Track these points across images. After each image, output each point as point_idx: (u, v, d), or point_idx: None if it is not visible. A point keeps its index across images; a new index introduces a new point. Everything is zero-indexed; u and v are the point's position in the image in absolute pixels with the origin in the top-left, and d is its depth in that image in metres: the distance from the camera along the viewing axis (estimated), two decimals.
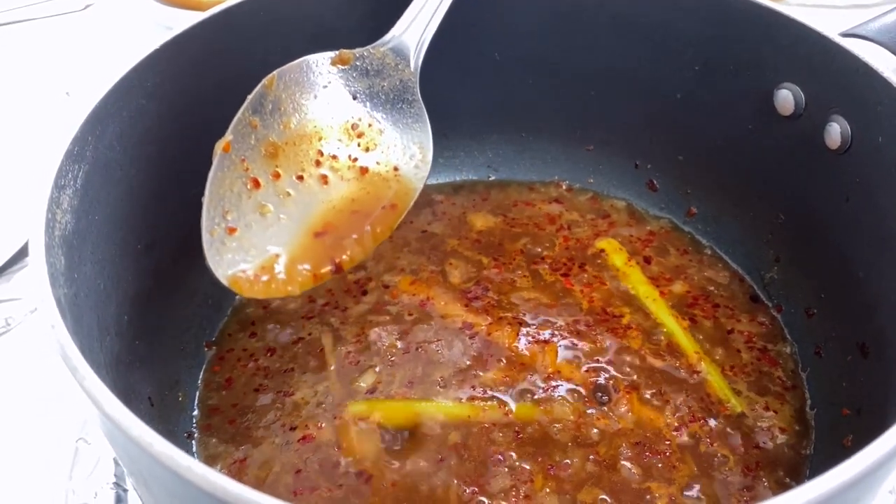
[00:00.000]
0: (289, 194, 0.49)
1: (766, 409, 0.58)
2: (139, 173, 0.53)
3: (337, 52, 0.50)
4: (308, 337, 0.62)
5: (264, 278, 0.47)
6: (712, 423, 0.57)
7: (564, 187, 0.75)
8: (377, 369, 0.60)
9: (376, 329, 0.62)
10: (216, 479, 0.31)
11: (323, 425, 0.57)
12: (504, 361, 0.60)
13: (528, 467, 0.54)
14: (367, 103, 0.50)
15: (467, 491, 0.52)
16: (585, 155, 0.74)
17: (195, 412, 0.59)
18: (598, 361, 0.60)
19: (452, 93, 0.71)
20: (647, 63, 0.66)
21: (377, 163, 0.50)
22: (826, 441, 0.56)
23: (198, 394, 0.60)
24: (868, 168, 0.54)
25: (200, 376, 0.61)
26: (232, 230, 0.48)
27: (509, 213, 0.73)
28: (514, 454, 0.55)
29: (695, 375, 0.60)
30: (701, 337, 0.62)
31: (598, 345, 0.61)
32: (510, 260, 0.68)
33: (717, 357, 0.61)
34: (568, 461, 0.54)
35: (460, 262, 0.68)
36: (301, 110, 0.49)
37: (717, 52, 0.62)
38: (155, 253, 0.56)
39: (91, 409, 0.36)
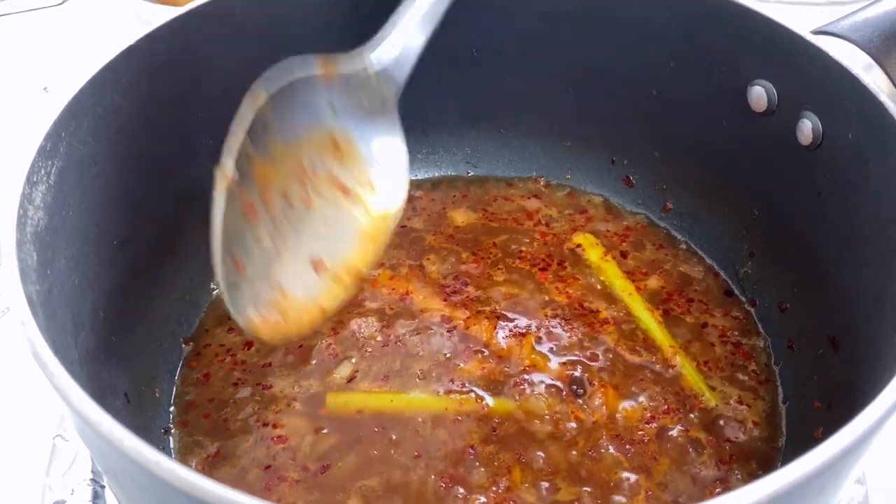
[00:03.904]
0: (280, 219, 0.49)
1: (740, 402, 0.59)
2: (114, 169, 0.53)
3: (322, 65, 0.49)
4: None
5: (275, 318, 0.48)
6: (687, 416, 0.57)
7: (542, 183, 0.75)
8: (353, 360, 0.60)
9: (357, 320, 0.62)
10: (185, 474, 0.31)
11: (300, 418, 0.57)
12: (481, 355, 0.60)
13: (506, 461, 0.54)
14: (348, 118, 0.50)
15: (443, 486, 0.53)
16: (563, 151, 0.75)
17: (172, 408, 0.59)
18: (574, 355, 0.60)
19: (431, 89, 0.71)
20: (623, 60, 0.67)
21: (356, 179, 0.50)
22: (797, 433, 0.56)
23: (175, 389, 0.60)
24: (839, 164, 0.54)
25: (178, 372, 0.61)
26: (241, 267, 0.47)
27: (489, 208, 0.73)
28: (491, 447, 0.55)
29: (670, 370, 0.60)
30: (676, 331, 0.63)
31: (575, 339, 0.62)
32: (488, 255, 0.68)
33: (692, 351, 0.62)
34: (545, 454, 0.55)
35: (439, 256, 0.68)
36: (286, 126, 0.49)
37: (691, 49, 0.62)
38: (130, 249, 0.56)
39: (61, 404, 0.36)
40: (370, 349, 0.61)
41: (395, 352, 0.61)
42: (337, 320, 0.63)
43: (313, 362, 0.60)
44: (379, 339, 0.61)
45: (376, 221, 0.50)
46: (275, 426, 0.57)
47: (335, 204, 0.50)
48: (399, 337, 0.61)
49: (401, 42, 0.48)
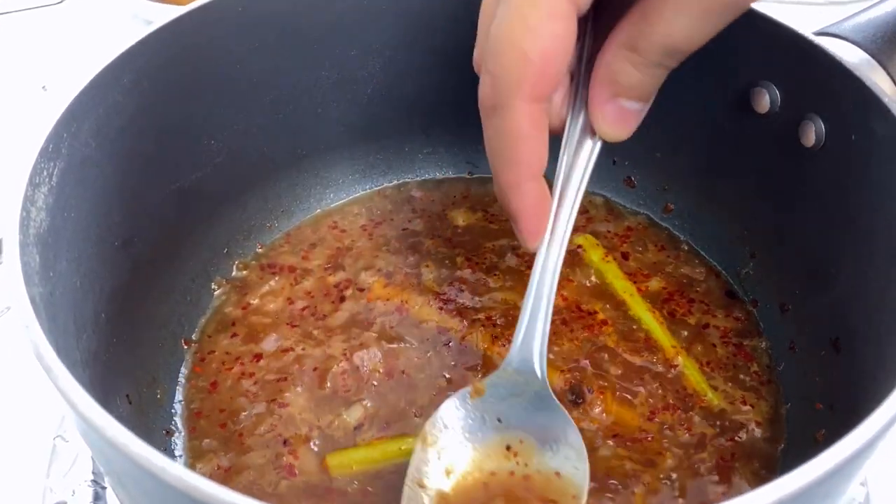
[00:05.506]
0: None
1: (743, 403, 0.59)
2: (115, 170, 0.53)
3: (472, 387, 0.52)
4: (301, 351, 0.61)
5: None
6: (689, 416, 0.57)
7: None
8: (364, 402, 0.58)
9: (359, 353, 0.61)
10: (191, 479, 0.31)
11: (308, 452, 0.56)
12: (479, 366, 0.60)
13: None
14: (513, 421, 0.51)
15: None
16: None
17: (174, 411, 0.59)
18: (573, 361, 0.60)
19: (432, 89, 0.71)
20: None
21: (538, 472, 0.50)
22: (799, 435, 0.56)
23: (179, 395, 0.60)
24: (841, 165, 0.54)
25: (180, 374, 0.61)
26: None
27: (489, 209, 0.73)
28: None
29: (672, 370, 0.60)
30: (678, 332, 0.63)
31: (574, 343, 0.61)
32: (484, 259, 0.68)
33: (694, 352, 0.61)
34: None
35: (436, 262, 0.68)
36: (457, 450, 0.50)
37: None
38: (132, 249, 0.56)
39: (66, 408, 0.36)
40: (376, 383, 0.59)
41: (399, 385, 0.59)
42: (343, 349, 0.61)
43: (328, 386, 0.59)
44: (381, 370, 0.60)
45: (568, 500, 0.49)
46: (291, 453, 0.55)
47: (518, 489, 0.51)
48: (402, 367, 0.60)
49: (528, 340, 0.51)
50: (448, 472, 0.50)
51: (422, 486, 0.49)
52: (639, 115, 0.48)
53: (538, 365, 0.50)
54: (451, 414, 0.51)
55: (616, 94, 0.47)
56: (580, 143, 0.49)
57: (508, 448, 0.51)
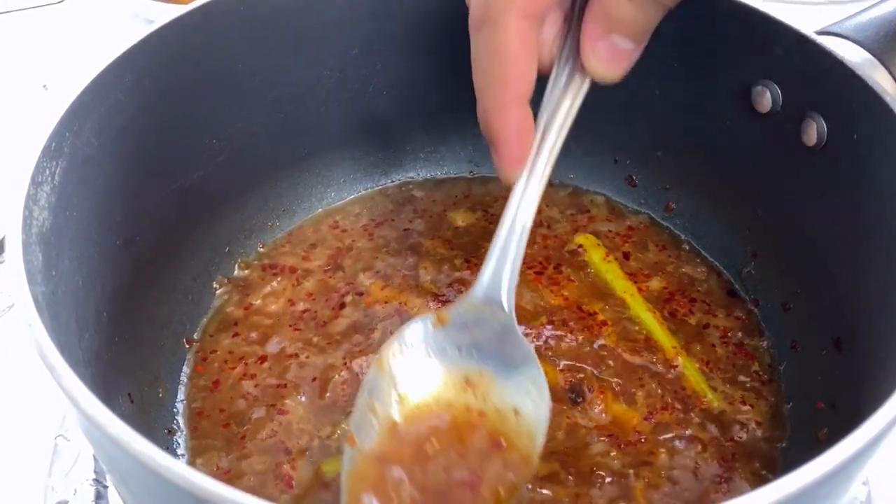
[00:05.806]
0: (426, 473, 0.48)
1: (743, 402, 0.59)
2: (117, 169, 0.53)
3: (434, 316, 0.50)
4: (304, 359, 0.61)
5: None
6: (688, 416, 0.57)
7: None
8: None
9: (358, 360, 0.60)
10: (194, 477, 0.31)
11: (306, 465, 0.55)
12: None
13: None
14: (474, 353, 0.49)
15: None
16: (565, 150, 0.73)
17: (176, 410, 0.59)
18: (571, 361, 0.60)
19: (432, 88, 0.71)
20: None
21: (496, 409, 0.49)
22: (801, 434, 0.56)
23: (180, 393, 0.60)
24: (844, 165, 0.54)
25: (182, 373, 0.61)
26: None
27: (490, 209, 0.73)
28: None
29: (672, 370, 0.60)
30: (678, 332, 0.63)
31: (574, 343, 0.61)
32: (482, 261, 0.68)
33: (694, 352, 0.61)
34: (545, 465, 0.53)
35: (434, 263, 0.68)
36: (414, 379, 0.49)
37: (695, 49, 0.62)
38: (133, 248, 0.56)
39: (69, 407, 0.36)
40: None
41: None
42: (344, 357, 0.61)
43: (328, 396, 0.59)
44: None
45: (524, 441, 0.48)
46: (289, 463, 0.55)
47: (474, 426, 0.49)
48: None
49: (497, 273, 0.49)
50: (402, 400, 0.49)
51: (373, 410, 0.48)
52: (630, 55, 0.48)
53: (506, 298, 0.49)
54: (411, 340, 0.50)
55: (609, 29, 0.46)
56: (569, 81, 0.49)
57: (467, 381, 0.49)
